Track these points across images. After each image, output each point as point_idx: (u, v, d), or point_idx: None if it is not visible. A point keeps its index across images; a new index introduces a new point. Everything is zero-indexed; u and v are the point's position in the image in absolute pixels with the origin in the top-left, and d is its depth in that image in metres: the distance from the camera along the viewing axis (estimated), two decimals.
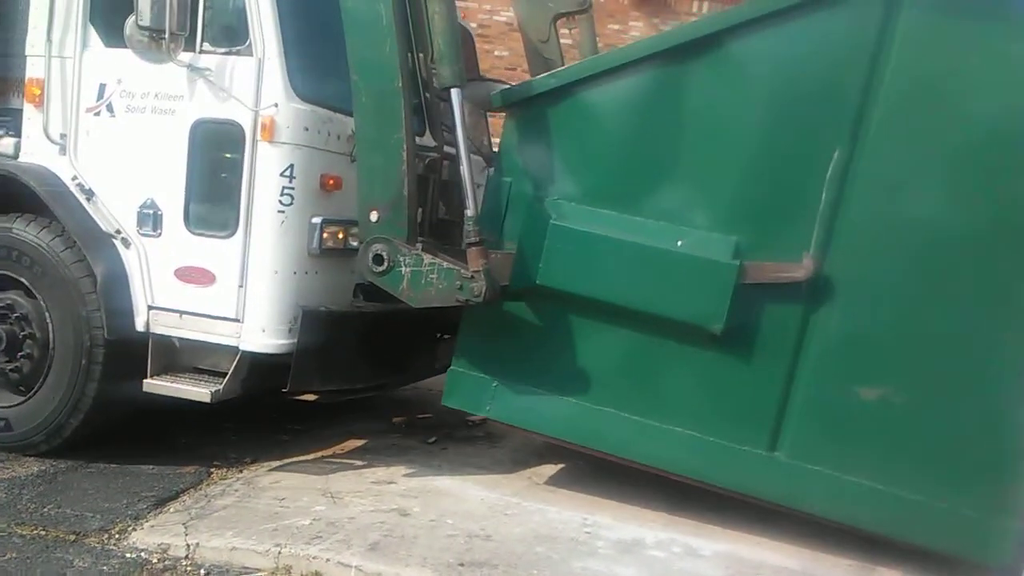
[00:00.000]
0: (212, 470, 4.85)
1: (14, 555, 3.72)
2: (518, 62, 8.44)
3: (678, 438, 4.30)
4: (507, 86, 4.94)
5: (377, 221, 4.29)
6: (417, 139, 4.67)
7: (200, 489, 4.56)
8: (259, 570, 3.72)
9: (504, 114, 4.59)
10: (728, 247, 4.13)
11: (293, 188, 4.41)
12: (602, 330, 4.40)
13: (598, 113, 4.35)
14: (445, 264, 4.24)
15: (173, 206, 4.54)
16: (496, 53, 10.65)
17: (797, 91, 4.10)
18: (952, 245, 3.93)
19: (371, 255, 4.29)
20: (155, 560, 3.78)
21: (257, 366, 4.54)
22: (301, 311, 4.47)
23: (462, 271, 4.19)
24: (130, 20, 4.25)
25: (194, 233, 4.53)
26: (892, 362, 4.03)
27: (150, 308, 4.60)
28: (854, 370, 4.07)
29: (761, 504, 4.27)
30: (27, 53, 4.83)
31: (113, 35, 4.57)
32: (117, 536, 3.98)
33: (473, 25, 8.94)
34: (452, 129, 4.38)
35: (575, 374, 4.45)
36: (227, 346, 4.52)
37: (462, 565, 3.71)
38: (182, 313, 4.56)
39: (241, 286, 4.46)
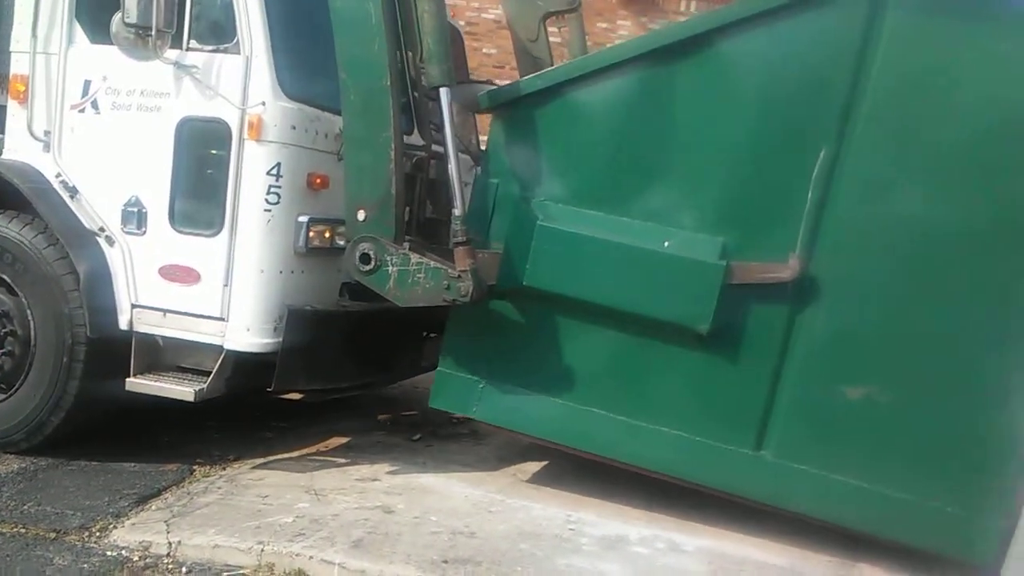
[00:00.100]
0: (195, 468, 4.83)
1: None
2: (506, 60, 8.44)
3: (665, 438, 4.32)
4: (494, 87, 4.94)
5: (364, 220, 4.29)
6: (405, 138, 4.66)
7: (182, 487, 4.54)
8: (241, 568, 3.71)
9: (491, 114, 4.58)
10: (715, 248, 4.15)
11: (280, 187, 4.40)
12: (589, 331, 4.41)
13: (585, 114, 4.35)
14: (432, 263, 4.24)
15: (158, 204, 4.52)
16: (484, 51, 10.66)
17: (783, 91, 4.13)
18: (937, 244, 3.96)
19: (358, 254, 4.28)
20: (136, 558, 3.77)
21: (242, 365, 4.52)
22: (287, 310, 4.45)
23: (449, 271, 4.19)
24: (116, 17, 4.23)
25: (179, 231, 4.51)
26: (877, 362, 4.06)
27: (134, 306, 4.57)
28: (840, 370, 4.10)
29: (748, 503, 4.30)
30: (11, 49, 4.80)
31: (99, 32, 4.54)
32: (98, 534, 3.96)
33: (461, 23, 8.93)
34: (440, 128, 4.37)
35: (562, 375, 4.46)
36: (211, 345, 4.50)
37: (446, 562, 3.72)
38: (166, 312, 4.54)
39: (226, 285, 4.44)
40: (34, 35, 4.69)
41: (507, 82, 4.96)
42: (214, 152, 4.43)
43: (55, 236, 4.58)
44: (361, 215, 4.29)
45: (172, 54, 4.40)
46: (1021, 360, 3.86)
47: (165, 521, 4.05)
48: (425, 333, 5.43)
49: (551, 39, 5.97)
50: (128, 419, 5.17)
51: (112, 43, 4.33)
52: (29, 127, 4.72)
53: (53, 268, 4.58)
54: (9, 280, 4.72)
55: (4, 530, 3.91)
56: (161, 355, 4.70)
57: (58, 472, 4.64)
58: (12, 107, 4.82)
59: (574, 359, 4.45)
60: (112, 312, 4.56)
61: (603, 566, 3.84)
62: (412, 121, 5.14)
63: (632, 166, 4.32)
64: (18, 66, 4.77)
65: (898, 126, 3.98)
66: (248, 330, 4.43)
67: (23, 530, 3.93)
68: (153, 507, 4.26)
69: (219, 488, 4.49)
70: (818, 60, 4.06)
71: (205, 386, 4.48)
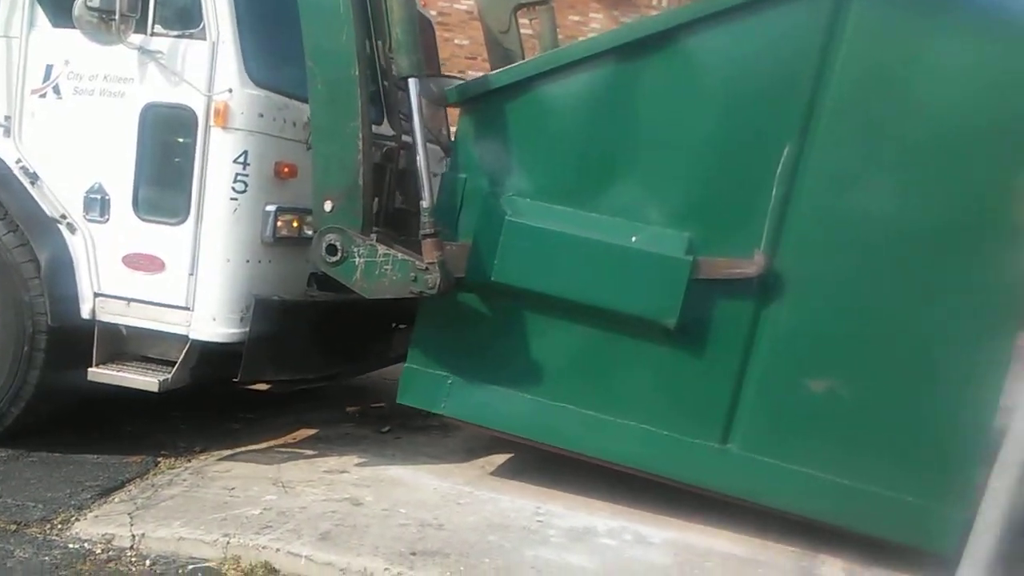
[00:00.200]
0: (160, 459, 4.78)
1: None
2: (478, 51, 8.42)
3: (633, 432, 4.33)
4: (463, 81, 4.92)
5: (331, 211, 4.25)
6: (375, 128, 4.63)
7: (147, 479, 4.50)
8: (207, 560, 3.68)
9: (459, 109, 4.56)
10: (682, 243, 4.17)
11: (247, 175, 4.35)
12: (558, 326, 4.41)
13: (553, 109, 4.35)
14: (399, 255, 4.22)
15: (121, 191, 4.45)
16: (456, 42, 10.63)
17: (748, 87, 4.14)
18: (901, 239, 4.01)
19: (324, 245, 4.25)
20: (99, 551, 3.73)
21: (207, 355, 4.47)
22: (254, 300, 4.41)
23: (417, 263, 4.18)
24: (79, 0, 4.14)
25: (143, 219, 4.45)
26: (841, 356, 4.11)
27: (96, 295, 4.50)
28: (804, 364, 4.14)
29: (715, 496, 4.33)
30: None
31: (61, 15, 4.44)
32: (60, 526, 3.91)
33: (433, 13, 8.90)
34: (409, 118, 4.34)
35: (531, 370, 4.46)
36: (176, 334, 4.45)
37: (414, 554, 3.71)
38: (130, 300, 4.48)
39: (192, 274, 4.39)
40: None
41: (478, 75, 4.93)
42: (179, 139, 4.37)
43: (15, 223, 4.49)
44: (328, 206, 4.25)
45: (136, 39, 4.33)
46: (982, 354, 3.91)
47: (129, 513, 4.00)
48: (394, 324, 5.41)
49: (523, 31, 5.96)
50: (91, 410, 5.10)
51: (75, 27, 4.25)
52: None
53: (13, 255, 4.49)
54: None
55: None
56: (125, 345, 4.63)
57: (19, 464, 4.57)
58: None
59: (543, 354, 4.45)
60: (74, 301, 4.49)
61: (570, 558, 3.86)
62: (382, 111, 5.10)
63: (600, 161, 4.33)
64: None
65: (862, 121, 4.02)
66: (214, 320, 4.39)
67: None
68: (116, 499, 4.21)
69: (184, 480, 4.44)
70: (782, 56, 4.08)
71: (170, 376, 4.43)
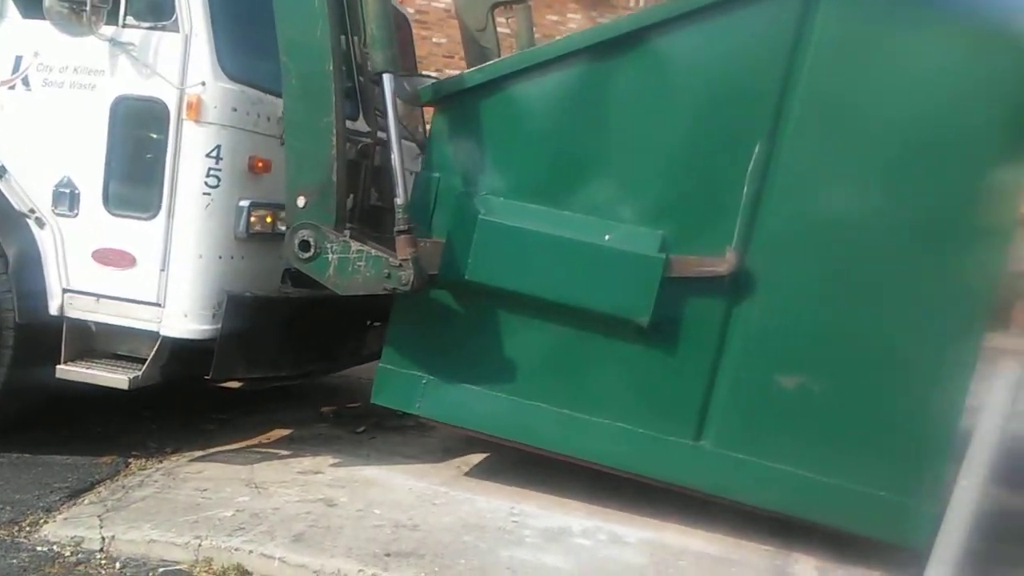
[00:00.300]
0: (130, 460, 4.72)
1: None
2: (456, 50, 8.39)
3: (608, 431, 4.33)
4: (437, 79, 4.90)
5: (304, 207, 4.22)
6: (351, 124, 4.60)
7: (117, 480, 4.43)
8: (178, 563, 3.63)
9: (433, 108, 4.54)
10: (655, 241, 4.18)
11: (220, 170, 4.30)
12: (532, 325, 4.40)
13: (526, 108, 4.35)
14: (373, 252, 4.19)
15: (91, 185, 4.38)
16: (434, 40, 10.60)
17: (719, 85, 4.16)
18: (871, 237, 4.03)
19: (297, 241, 4.21)
20: (68, 553, 3.66)
21: (178, 352, 4.42)
22: (226, 296, 4.36)
23: (390, 259, 4.15)
24: None
25: (113, 214, 4.38)
26: (813, 353, 4.12)
27: (65, 291, 4.43)
28: (776, 361, 4.16)
29: (689, 493, 4.34)
30: None
31: (31, 6, 4.37)
32: (28, 529, 3.84)
33: (411, 11, 8.85)
34: (384, 114, 4.31)
35: (506, 369, 4.44)
36: (147, 331, 4.39)
37: (388, 555, 3.68)
38: (99, 297, 4.41)
39: (163, 269, 4.33)
40: None
41: (455, 73, 4.91)
42: (151, 133, 4.31)
43: None
44: (301, 201, 4.22)
45: (108, 30, 4.27)
46: (952, 350, 3.95)
47: (98, 516, 3.94)
48: (368, 322, 5.37)
49: (500, 30, 5.95)
50: (60, 409, 5.03)
51: (45, 18, 4.18)
52: None
53: None
54: None
55: None
56: (94, 341, 4.57)
57: None
58: None
59: (517, 353, 4.44)
60: (42, 297, 4.42)
61: (545, 558, 3.84)
62: (357, 107, 5.07)
63: (573, 160, 4.33)
64: None
65: (831, 121, 4.04)
66: (185, 316, 4.33)
67: None
68: (86, 501, 4.15)
69: (155, 481, 4.39)
70: (752, 55, 4.10)
71: (140, 373, 4.37)
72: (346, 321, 5.16)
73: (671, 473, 4.31)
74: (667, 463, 4.28)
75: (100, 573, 3.55)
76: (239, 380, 4.97)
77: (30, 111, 4.47)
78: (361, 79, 4.99)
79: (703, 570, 3.94)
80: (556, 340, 4.38)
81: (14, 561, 3.54)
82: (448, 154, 4.41)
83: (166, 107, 4.26)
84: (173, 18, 4.28)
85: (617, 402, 4.33)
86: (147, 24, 4.32)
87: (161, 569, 3.59)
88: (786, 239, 4.10)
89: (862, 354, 4.07)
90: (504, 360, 4.43)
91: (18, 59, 4.48)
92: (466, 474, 4.86)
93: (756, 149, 4.06)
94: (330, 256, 4.20)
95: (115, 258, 4.37)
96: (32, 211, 4.45)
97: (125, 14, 4.31)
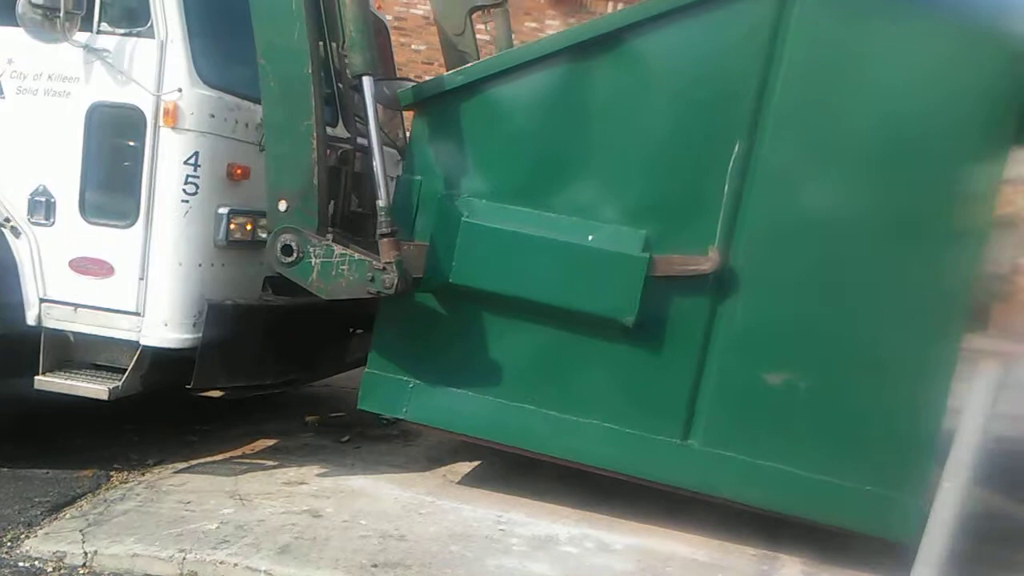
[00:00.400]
0: (112, 473, 4.67)
1: None
2: (435, 56, 8.40)
3: (596, 431, 4.33)
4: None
5: (286, 211, 4.19)
6: (330, 130, 4.57)
7: (99, 494, 4.38)
8: None
9: (413, 111, 4.53)
10: (638, 241, 4.18)
11: (198, 177, 4.26)
12: (518, 327, 4.39)
13: (506, 110, 4.35)
14: (356, 255, 4.16)
15: (68, 194, 4.32)
16: (413, 47, 10.60)
17: (698, 84, 4.17)
18: (854, 232, 4.05)
19: (280, 245, 4.18)
20: (50, 569, 3.62)
21: (158, 361, 4.37)
22: (206, 304, 4.32)
23: (373, 262, 4.12)
24: None
25: (90, 222, 4.33)
26: (797, 349, 4.14)
27: (42, 301, 4.38)
28: (761, 358, 4.17)
29: (678, 493, 4.33)
30: None
31: (3, 13, 4.30)
32: (9, 544, 3.79)
33: (389, 18, 8.86)
34: (364, 118, 4.29)
35: (492, 372, 4.43)
36: (126, 341, 4.34)
37: (375, 566, 3.65)
38: (77, 306, 4.36)
39: (142, 278, 4.28)
40: None
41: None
42: (127, 140, 4.27)
43: None
44: (283, 206, 4.19)
45: (82, 37, 4.23)
46: (938, 344, 3.96)
47: (80, 530, 3.89)
48: (351, 329, 5.33)
49: (479, 36, 5.95)
50: (40, 422, 4.97)
51: (18, 25, 4.14)
52: None
53: None
54: None
55: None
56: (73, 352, 4.51)
57: None
58: None
59: (504, 355, 4.43)
60: (19, 307, 4.36)
61: (533, 566, 3.83)
62: (336, 113, 5.05)
63: (555, 161, 4.32)
64: None
65: (809, 118, 4.06)
66: (165, 325, 4.28)
67: None
68: (67, 515, 4.09)
69: (138, 495, 4.34)
70: (730, 53, 4.12)
71: (120, 384, 4.32)
72: (328, 329, 5.12)
73: (659, 473, 4.30)
74: (655, 463, 4.28)
75: None
76: (221, 389, 4.90)
77: (4, 119, 4.40)
78: (340, 85, 4.98)
79: None
80: (542, 341, 4.38)
81: None
82: (429, 157, 4.40)
83: (143, 114, 4.22)
84: (148, 24, 4.24)
85: (604, 402, 4.33)
86: (122, 30, 4.28)
87: None
88: (767, 237, 4.12)
89: (845, 350, 4.08)
90: (490, 363, 4.42)
91: None
92: (452, 482, 4.83)
93: (736, 147, 4.08)
94: (313, 260, 4.17)
95: (93, 267, 4.32)
96: (7, 220, 4.39)
97: (99, 21, 4.27)
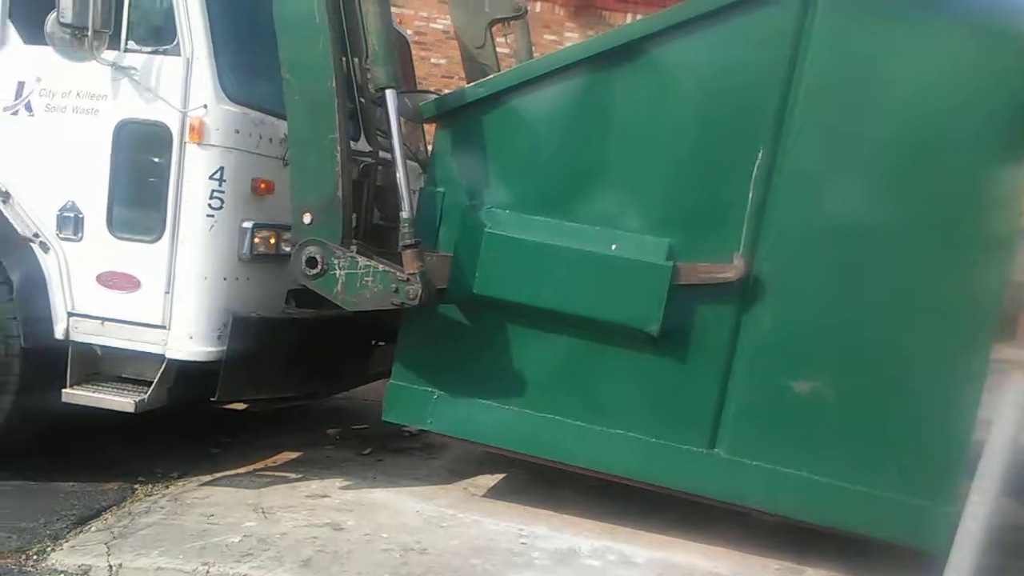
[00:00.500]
0: (136, 486, 4.68)
1: None
2: (455, 70, 8.43)
3: (621, 441, 4.31)
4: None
5: (310, 223, 4.22)
6: (352, 144, 4.59)
7: (123, 507, 4.40)
8: None
9: (435, 124, 4.55)
10: (662, 249, 4.17)
11: (223, 192, 4.30)
12: (542, 337, 4.39)
13: (528, 120, 4.36)
14: (380, 267, 4.18)
15: (95, 209, 4.38)
16: (433, 61, 10.65)
17: (720, 93, 4.18)
18: (878, 239, 4.02)
19: (304, 258, 4.21)
20: None
21: (184, 374, 4.41)
22: (231, 317, 4.35)
23: (398, 274, 4.14)
24: (51, 16, 4.14)
25: (118, 237, 4.38)
26: (824, 357, 4.11)
27: (70, 315, 4.42)
28: (787, 366, 4.14)
29: (703, 502, 4.30)
30: None
31: (33, 32, 4.39)
32: (35, 557, 3.79)
33: (409, 32, 8.91)
34: (387, 130, 4.33)
35: (517, 382, 4.43)
36: (152, 354, 4.38)
37: None
38: (104, 320, 4.40)
39: (168, 292, 4.32)
40: None
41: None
42: (154, 156, 4.32)
43: None
44: (307, 218, 4.22)
45: (109, 55, 4.29)
46: (967, 353, 3.92)
47: (105, 543, 3.89)
48: (373, 341, 5.34)
49: (499, 50, 5.97)
50: (66, 435, 4.99)
51: (47, 43, 4.22)
52: None
53: None
54: None
55: None
56: (100, 365, 4.56)
57: None
58: None
59: (528, 365, 4.43)
60: (47, 321, 4.41)
61: None
62: (359, 128, 5.08)
63: (577, 171, 4.33)
64: None
65: (832, 125, 4.05)
66: (191, 338, 4.32)
67: None
68: (93, 528, 4.10)
69: (162, 507, 4.35)
70: (752, 61, 4.12)
71: (146, 396, 4.35)
72: (351, 341, 5.14)
73: (686, 482, 4.28)
74: (681, 472, 4.25)
75: None
76: (245, 402, 4.94)
77: (33, 136, 4.47)
78: (362, 100, 5.00)
79: None
80: (566, 351, 4.37)
81: None
82: (452, 168, 4.42)
83: (169, 130, 4.27)
84: (175, 42, 4.30)
85: (629, 412, 4.31)
86: (149, 48, 4.34)
87: None
88: (792, 244, 4.10)
89: (875, 355, 4.05)
90: (515, 373, 4.41)
91: (20, 85, 4.48)
92: (474, 495, 4.81)
93: (760, 154, 4.07)
94: (338, 272, 4.19)
95: (120, 281, 4.37)
96: (36, 235, 4.44)
97: (127, 39, 4.34)
